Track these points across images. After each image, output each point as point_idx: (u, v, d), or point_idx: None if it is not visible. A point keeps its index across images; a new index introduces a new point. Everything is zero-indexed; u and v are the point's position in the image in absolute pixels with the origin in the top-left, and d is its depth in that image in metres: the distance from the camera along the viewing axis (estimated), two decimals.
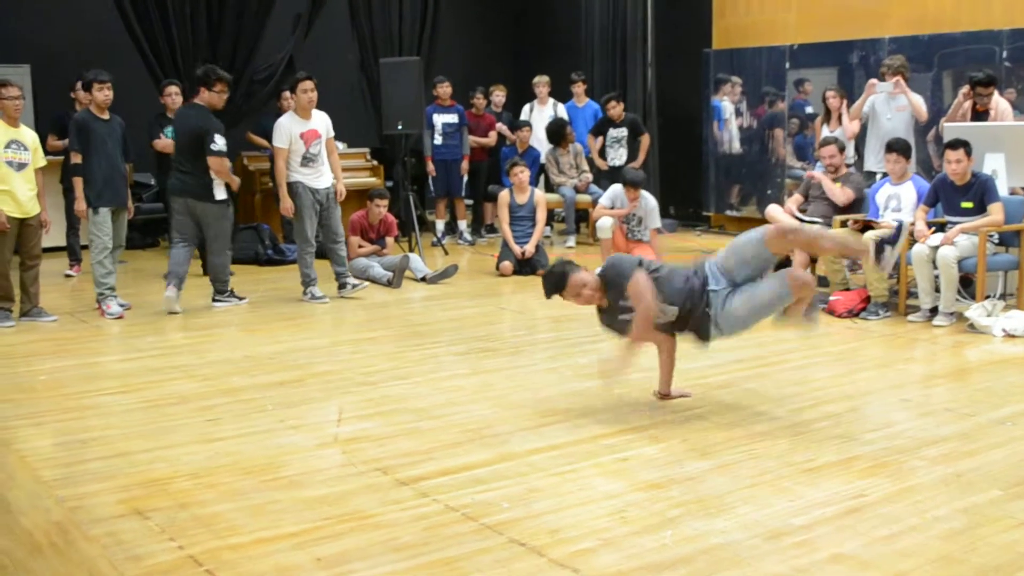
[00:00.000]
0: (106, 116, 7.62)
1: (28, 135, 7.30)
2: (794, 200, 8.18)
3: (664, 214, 11.04)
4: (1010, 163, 7.43)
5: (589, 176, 11.36)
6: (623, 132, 11.28)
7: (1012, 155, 7.44)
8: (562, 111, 11.88)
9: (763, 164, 11.87)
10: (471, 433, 4.71)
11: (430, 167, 11.46)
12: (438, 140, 11.37)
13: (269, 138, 8.45)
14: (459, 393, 5.45)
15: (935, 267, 6.93)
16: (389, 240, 9.48)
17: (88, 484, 4.12)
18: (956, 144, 6.96)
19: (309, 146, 7.99)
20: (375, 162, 12.06)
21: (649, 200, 9.18)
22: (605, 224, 9.18)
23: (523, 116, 11.89)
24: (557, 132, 11.30)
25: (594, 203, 10.33)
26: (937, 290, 7.01)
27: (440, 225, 11.70)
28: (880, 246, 5.31)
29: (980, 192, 6.97)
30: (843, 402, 5.20)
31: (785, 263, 7.84)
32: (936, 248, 6.89)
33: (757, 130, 11.95)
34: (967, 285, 7.21)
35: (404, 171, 11.01)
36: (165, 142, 9.29)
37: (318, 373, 5.90)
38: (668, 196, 12.57)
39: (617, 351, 5.03)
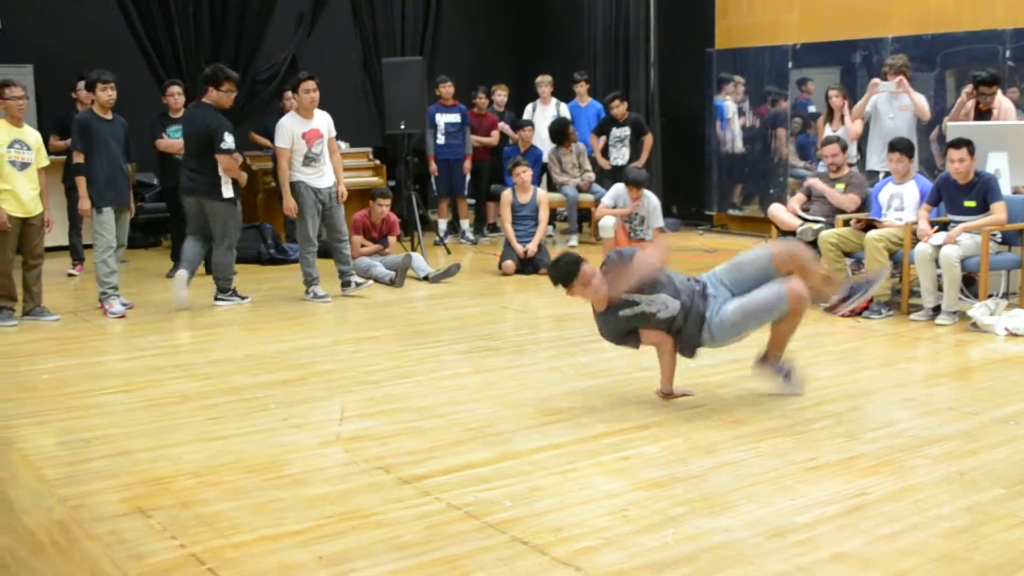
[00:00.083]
0: (109, 116, 7.63)
1: (31, 135, 7.31)
2: (797, 199, 8.17)
3: (667, 213, 11.03)
4: (1013, 162, 7.43)
5: (591, 175, 11.36)
6: (626, 132, 11.28)
7: (1015, 154, 7.43)
8: (565, 111, 11.87)
9: (766, 163, 11.86)
10: (473, 432, 4.71)
11: (432, 166, 11.46)
12: (440, 139, 11.37)
13: (271, 138, 8.46)
14: (461, 392, 5.45)
15: (938, 266, 6.92)
16: (392, 239, 9.48)
17: (90, 483, 4.12)
18: (959, 143, 6.95)
19: (311, 146, 7.99)
20: (377, 161, 12.06)
21: (651, 199, 9.18)
22: (607, 223, 9.19)
23: (526, 115, 11.89)
24: (560, 131, 11.29)
25: (596, 202, 10.33)
26: (940, 289, 7.00)
27: (442, 224, 11.70)
28: (850, 292, 5.42)
29: (983, 191, 6.96)
30: (846, 401, 5.20)
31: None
32: (939, 247, 6.88)
33: (760, 129, 11.94)
34: (970, 284, 7.20)
35: (406, 170, 11.01)
36: (167, 142, 9.31)
37: (320, 372, 5.90)
38: (671, 195, 12.57)
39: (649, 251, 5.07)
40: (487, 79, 12.29)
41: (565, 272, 4.97)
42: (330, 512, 3.77)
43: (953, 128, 7.72)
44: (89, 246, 8.15)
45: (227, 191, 7.75)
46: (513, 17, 14.97)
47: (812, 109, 11.19)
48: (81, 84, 9.50)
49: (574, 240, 11.17)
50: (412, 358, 6.22)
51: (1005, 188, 7.26)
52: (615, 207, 9.26)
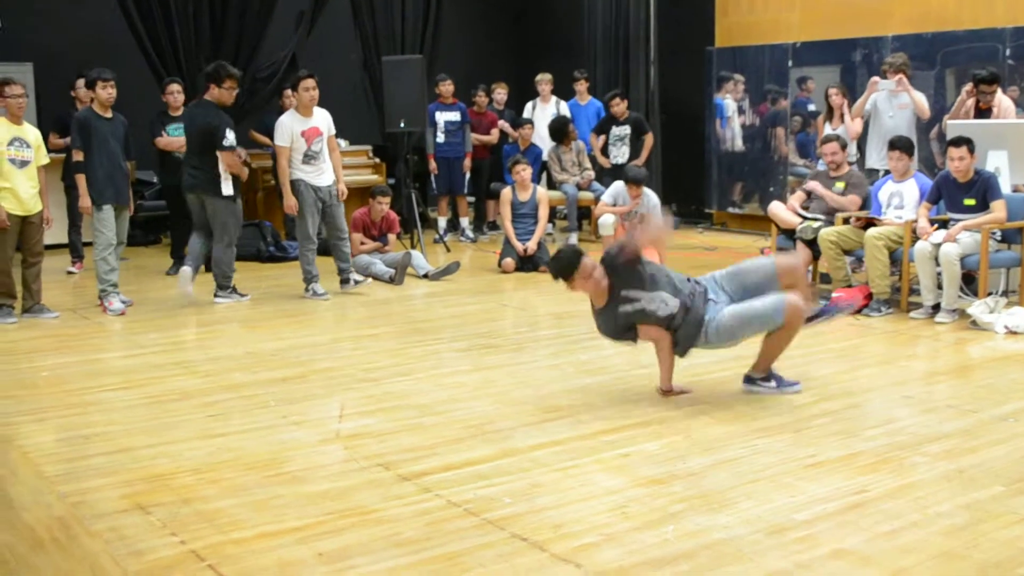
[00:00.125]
0: (108, 114, 7.63)
1: (31, 132, 7.31)
2: (796, 197, 8.17)
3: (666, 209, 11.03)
4: (1013, 160, 7.43)
5: (591, 173, 11.35)
6: (626, 130, 11.26)
7: (1015, 152, 7.44)
8: (564, 109, 11.87)
9: (766, 162, 11.86)
10: (473, 429, 4.72)
11: (432, 165, 11.46)
12: (440, 138, 11.37)
13: (271, 136, 8.46)
14: (461, 389, 5.45)
15: (937, 264, 6.92)
16: (391, 237, 9.48)
17: (90, 480, 4.12)
18: (959, 141, 6.96)
19: (311, 144, 8.00)
20: (377, 160, 12.06)
21: (651, 197, 9.18)
22: (607, 221, 9.19)
23: (526, 114, 11.89)
24: (560, 130, 11.29)
25: (596, 200, 10.33)
26: (939, 287, 7.01)
27: (442, 222, 11.70)
28: (818, 313, 5.52)
29: (983, 189, 6.96)
30: (845, 398, 5.20)
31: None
32: (938, 245, 6.88)
33: (760, 128, 11.94)
34: (969, 282, 7.21)
35: (406, 168, 11.01)
36: (167, 140, 9.31)
37: (320, 369, 5.91)
38: (670, 193, 12.53)
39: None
40: (487, 77, 12.29)
41: (566, 265, 4.99)
42: (330, 509, 3.77)
43: (953, 126, 7.73)
44: (89, 244, 8.15)
45: (226, 188, 7.76)
46: (513, 17, 14.96)
47: (812, 108, 11.19)
48: (80, 82, 9.51)
49: (574, 238, 11.14)
50: (412, 355, 6.22)
51: (1005, 186, 7.26)
52: (615, 205, 9.26)
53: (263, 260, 10.10)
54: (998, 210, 6.91)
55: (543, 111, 11.86)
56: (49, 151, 7.64)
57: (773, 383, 5.24)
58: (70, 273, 9.49)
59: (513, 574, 3.22)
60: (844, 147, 8.09)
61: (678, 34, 12.68)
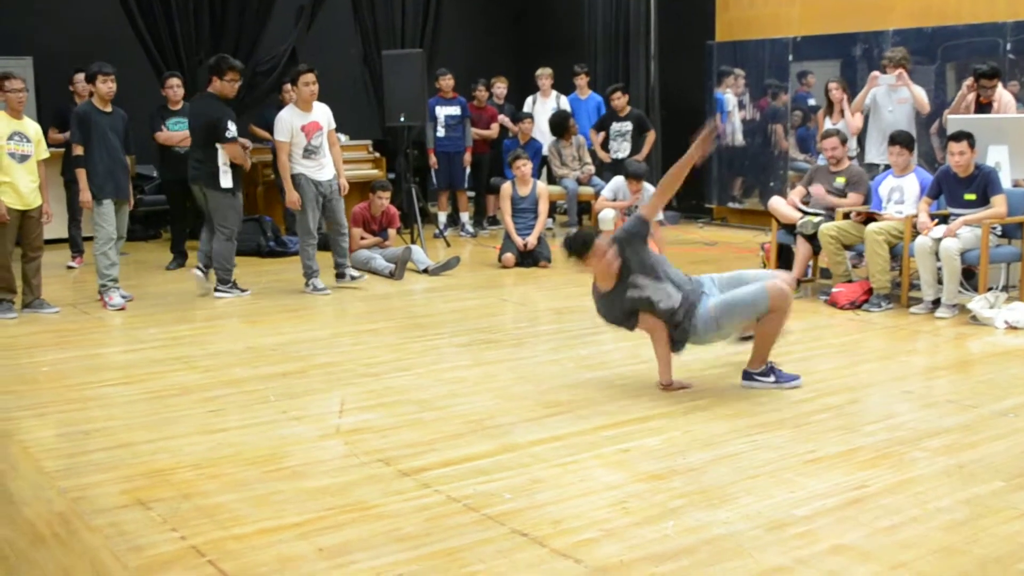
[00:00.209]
0: (108, 108, 7.63)
1: (31, 127, 7.30)
2: (797, 192, 8.16)
3: (666, 206, 10.98)
4: (1013, 155, 7.42)
5: (591, 168, 11.35)
6: (627, 126, 11.23)
7: (1015, 147, 7.43)
8: (565, 103, 11.85)
9: (766, 156, 11.86)
10: (473, 424, 4.72)
11: (432, 159, 11.44)
12: (440, 132, 11.36)
13: (271, 130, 8.45)
14: (461, 384, 5.45)
15: (938, 259, 6.92)
16: (391, 232, 9.48)
17: (90, 475, 4.13)
18: (959, 136, 6.95)
19: (311, 138, 7.99)
20: (377, 154, 12.04)
21: (651, 192, 9.16)
22: (607, 216, 9.18)
23: (526, 108, 11.88)
24: (560, 124, 11.27)
25: (596, 195, 10.33)
26: (940, 282, 7.00)
27: (442, 217, 11.69)
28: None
29: (983, 184, 6.96)
30: (845, 393, 5.20)
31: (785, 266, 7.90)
32: (939, 240, 6.88)
33: (760, 122, 11.93)
34: (969, 277, 7.20)
35: (406, 163, 11.00)
36: (167, 134, 9.32)
37: (320, 364, 5.91)
38: None
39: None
40: (487, 72, 12.27)
41: (581, 244, 5.08)
42: (330, 504, 3.77)
43: (953, 121, 7.72)
44: (88, 238, 8.15)
45: (225, 181, 7.78)
46: (513, 10, 14.93)
47: (812, 102, 11.18)
48: (78, 77, 9.50)
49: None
50: (412, 351, 6.22)
51: (1005, 181, 7.25)
52: (615, 200, 9.25)
53: (263, 255, 10.09)
54: (998, 205, 6.90)
55: (543, 106, 11.84)
56: (48, 146, 7.64)
57: (772, 378, 5.24)
58: (70, 268, 9.48)
59: (513, 569, 3.23)
60: (844, 142, 8.08)
61: (678, 28, 12.66)
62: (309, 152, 8.01)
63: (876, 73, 8.91)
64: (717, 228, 12.17)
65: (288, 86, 9.74)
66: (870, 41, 10.52)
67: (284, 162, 7.99)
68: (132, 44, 10.87)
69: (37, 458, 4.35)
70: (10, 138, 7.09)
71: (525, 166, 9.57)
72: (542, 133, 11.47)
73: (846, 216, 7.58)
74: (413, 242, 9.92)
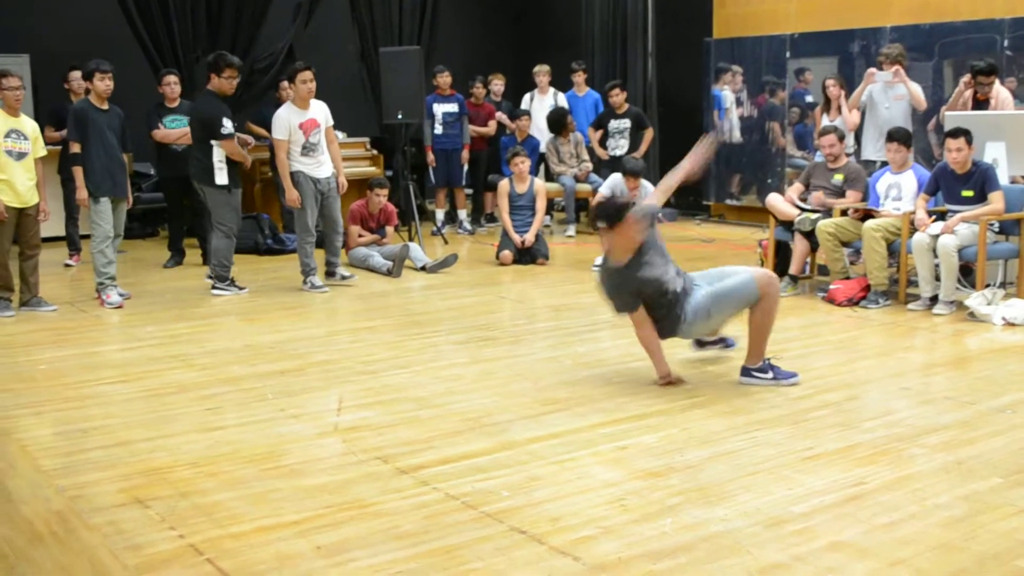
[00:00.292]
0: (105, 106, 7.62)
1: (28, 125, 7.29)
2: (794, 189, 8.17)
3: (664, 203, 11.00)
4: (1011, 152, 7.43)
5: (589, 165, 11.35)
6: (625, 123, 11.23)
7: (1013, 144, 7.43)
8: (563, 100, 11.85)
9: (763, 153, 11.86)
10: (471, 422, 4.72)
11: (430, 156, 11.44)
12: (438, 129, 11.35)
13: (269, 128, 8.45)
14: (459, 382, 5.45)
15: (935, 255, 6.92)
16: (389, 229, 9.47)
17: (88, 473, 4.12)
18: (957, 133, 6.95)
19: (308, 136, 7.98)
20: (375, 151, 12.04)
21: (649, 189, 9.15)
22: None
23: (524, 105, 11.87)
24: (558, 121, 11.28)
25: (594, 192, 10.33)
26: (937, 279, 7.01)
27: (440, 214, 11.69)
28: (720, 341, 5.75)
29: (981, 181, 6.96)
30: (843, 390, 5.20)
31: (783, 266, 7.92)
32: (936, 237, 6.89)
33: (757, 119, 11.93)
34: (967, 274, 7.21)
35: (404, 160, 11.00)
36: (164, 132, 9.30)
37: (318, 362, 5.90)
38: None
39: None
40: (485, 69, 12.25)
41: (615, 211, 5.08)
42: (328, 502, 3.77)
43: (951, 118, 7.72)
44: (86, 236, 8.13)
45: (220, 178, 7.80)
46: (511, 7, 14.92)
47: (810, 99, 11.17)
48: (73, 74, 9.49)
49: (571, 230, 11.17)
50: (410, 348, 6.22)
51: (1003, 177, 7.26)
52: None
53: (261, 253, 10.08)
54: (996, 201, 6.91)
55: (541, 103, 11.84)
56: (45, 144, 7.63)
57: (770, 375, 5.24)
58: (67, 266, 9.47)
59: (511, 567, 3.23)
60: (842, 138, 8.08)
61: (676, 25, 12.66)
62: (307, 150, 8.01)
63: (873, 70, 8.91)
64: (715, 225, 12.17)
65: (285, 84, 9.74)
66: (867, 38, 10.52)
67: (283, 160, 7.98)
68: (129, 42, 10.86)
69: (35, 456, 4.35)
70: (7, 136, 7.08)
71: (523, 163, 9.57)
72: (540, 130, 11.47)
73: (844, 213, 7.58)
74: (411, 239, 9.92)
